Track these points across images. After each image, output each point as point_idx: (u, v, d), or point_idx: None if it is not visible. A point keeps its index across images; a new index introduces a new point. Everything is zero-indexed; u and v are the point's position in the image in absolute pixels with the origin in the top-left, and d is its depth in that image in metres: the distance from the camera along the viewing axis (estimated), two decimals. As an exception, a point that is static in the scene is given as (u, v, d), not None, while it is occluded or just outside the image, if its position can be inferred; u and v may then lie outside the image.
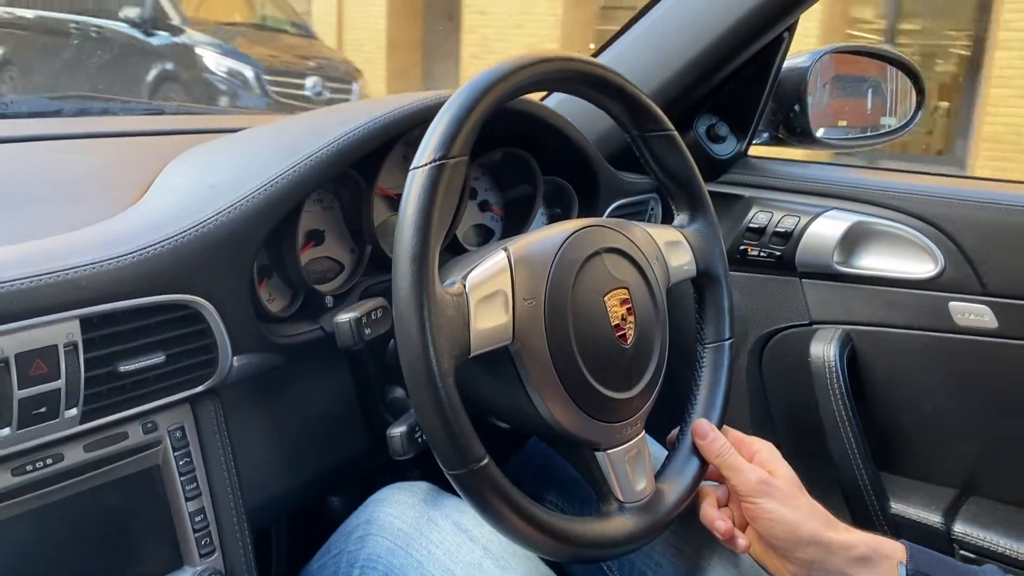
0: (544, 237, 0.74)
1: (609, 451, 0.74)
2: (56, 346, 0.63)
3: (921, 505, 1.10)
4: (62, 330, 0.63)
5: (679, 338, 0.92)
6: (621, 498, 0.74)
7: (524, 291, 0.70)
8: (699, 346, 0.87)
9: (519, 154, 1.04)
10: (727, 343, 0.86)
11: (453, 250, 1.01)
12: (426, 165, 0.65)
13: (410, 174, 0.66)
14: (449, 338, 0.64)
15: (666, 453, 0.83)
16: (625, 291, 0.76)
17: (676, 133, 0.84)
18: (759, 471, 0.77)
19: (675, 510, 0.77)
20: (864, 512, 1.14)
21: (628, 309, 0.75)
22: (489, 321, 0.67)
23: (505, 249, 0.72)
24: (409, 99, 0.89)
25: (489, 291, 0.68)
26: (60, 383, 0.64)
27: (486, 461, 0.64)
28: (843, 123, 1.34)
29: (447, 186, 0.65)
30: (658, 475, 0.80)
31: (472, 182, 1.06)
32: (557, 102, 1.16)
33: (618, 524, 0.73)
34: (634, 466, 0.76)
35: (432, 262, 0.64)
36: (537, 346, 0.70)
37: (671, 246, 0.84)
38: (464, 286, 0.68)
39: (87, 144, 1.02)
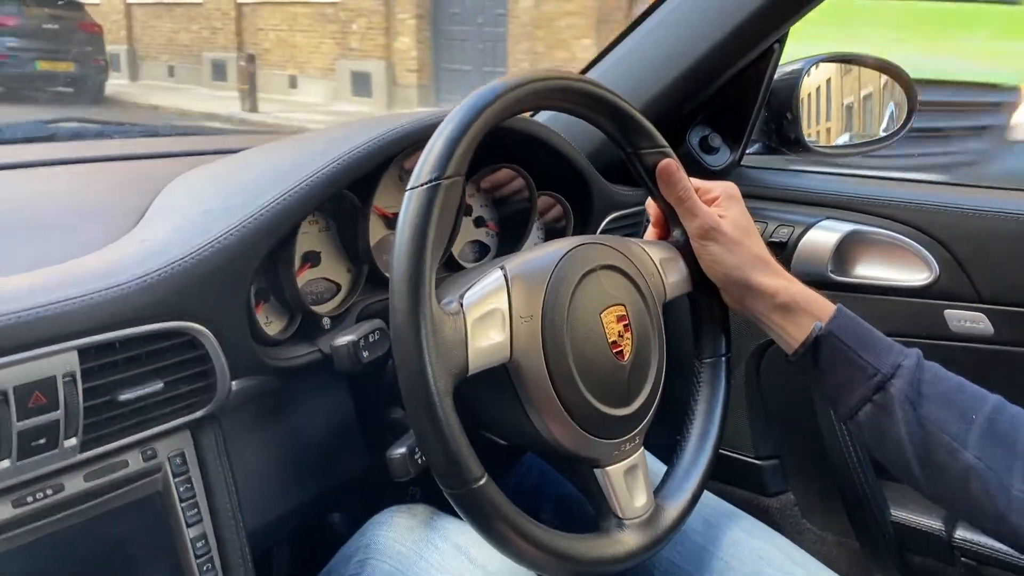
0: (540, 255, 0.75)
1: (608, 468, 0.74)
2: (55, 377, 0.63)
3: (921, 512, 1.10)
4: (60, 361, 0.63)
5: (678, 353, 0.92)
6: (620, 515, 0.74)
7: (521, 309, 0.70)
8: (696, 361, 0.87)
9: (514, 170, 1.05)
10: (724, 358, 0.87)
11: (449, 267, 1.01)
12: (422, 186, 0.66)
13: (406, 195, 0.66)
14: (447, 357, 0.64)
15: (665, 468, 0.83)
16: (622, 308, 0.76)
17: (670, 150, 0.84)
18: (712, 218, 0.82)
19: (675, 526, 0.77)
20: (864, 519, 1.14)
21: (625, 326, 0.76)
22: (486, 339, 0.68)
23: (502, 267, 0.72)
24: (403, 119, 0.89)
25: (486, 309, 0.69)
26: (59, 414, 0.64)
27: (484, 480, 0.65)
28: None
29: (442, 206, 0.66)
30: (657, 491, 0.80)
31: (467, 199, 1.06)
32: (548, 116, 1.16)
33: (618, 541, 0.73)
34: (633, 482, 0.76)
35: (428, 283, 0.64)
36: (534, 363, 0.70)
37: (667, 262, 0.84)
38: (461, 305, 0.68)
39: (83, 169, 1.02)
